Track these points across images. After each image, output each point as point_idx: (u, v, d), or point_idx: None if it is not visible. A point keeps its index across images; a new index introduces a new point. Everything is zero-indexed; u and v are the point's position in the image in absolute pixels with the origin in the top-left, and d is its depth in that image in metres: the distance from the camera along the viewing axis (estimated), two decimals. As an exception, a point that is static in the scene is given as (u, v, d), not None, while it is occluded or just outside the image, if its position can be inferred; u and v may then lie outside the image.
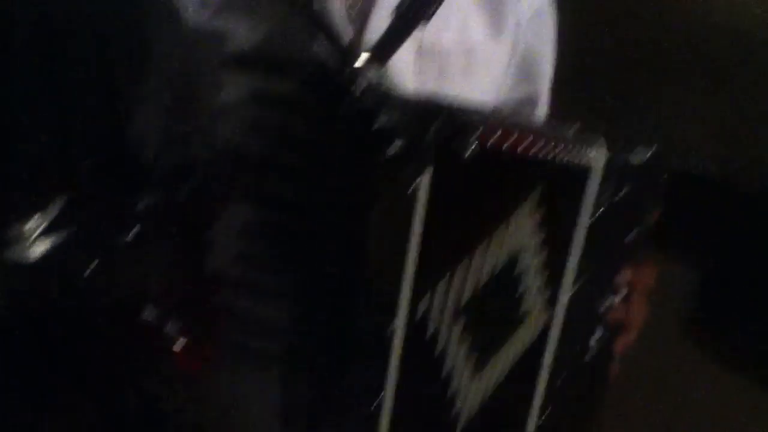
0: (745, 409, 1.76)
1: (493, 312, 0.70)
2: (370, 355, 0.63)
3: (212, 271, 0.67)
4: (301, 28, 0.72)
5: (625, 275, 0.80)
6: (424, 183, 0.62)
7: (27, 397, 0.65)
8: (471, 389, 0.69)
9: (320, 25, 0.72)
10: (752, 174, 1.88)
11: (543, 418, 0.75)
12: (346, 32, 0.75)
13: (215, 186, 0.68)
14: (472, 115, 0.69)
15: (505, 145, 0.65)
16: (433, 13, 0.77)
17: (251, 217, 0.68)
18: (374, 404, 0.64)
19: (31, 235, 0.60)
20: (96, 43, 0.66)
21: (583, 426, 0.84)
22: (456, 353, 0.67)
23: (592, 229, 0.72)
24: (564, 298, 0.73)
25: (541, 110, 0.93)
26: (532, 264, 0.70)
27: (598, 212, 0.72)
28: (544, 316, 0.73)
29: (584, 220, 0.72)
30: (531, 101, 0.91)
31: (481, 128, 0.64)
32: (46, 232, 0.61)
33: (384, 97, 0.68)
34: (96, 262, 0.62)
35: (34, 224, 0.61)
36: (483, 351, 0.69)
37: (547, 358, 0.73)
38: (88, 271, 0.61)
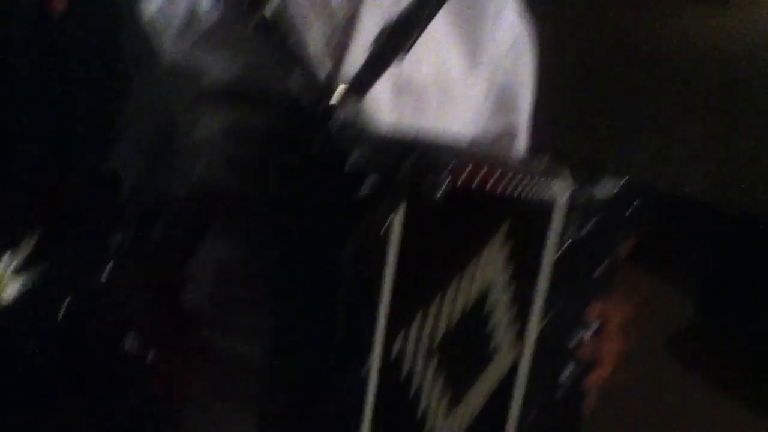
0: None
1: (466, 349, 0.70)
2: (345, 397, 0.63)
3: (187, 308, 0.67)
4: (278, 62, 0.72)
5: (595, 308, 0.79)
6: (396, 222, 0.62)
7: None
8: (445, 428, 0.69)
9: (297, 59, 0.72)
10: (742, 197, 1.89)
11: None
12: (324, 65, 0.75)
13: (189, 222, 0.68)
14: (444, 152, 0.69)
15: (475, 182, 0.65)
16: (410, 47, 0.77)
17: (225, 254, 0.68)
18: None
19: (2, 275, 0.60)
20: (71, 80, 0.66)
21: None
22: (430, 392, 0.67)
23: (559, 263, 0.72)
24: (532, 333, 0.72)
25: (521, 141, 0.92)
26: (501, 299, 0.70)
27: (565, 245, 0.72)
28: (513, 352, 0.72)
29: (550, 254, 0.71)
30: (510, 133, 0.90)
31: (452, 165, 0.64)
32: (18, 271, 0.61)
33: (359, 134, 0.68)
34: (67, 300, 0.62)
35: (6, 263, 0.61)
36: (456, 389, 0.69)
37: (518, 394, 0.73)
38: (61, 312, 0.61)
